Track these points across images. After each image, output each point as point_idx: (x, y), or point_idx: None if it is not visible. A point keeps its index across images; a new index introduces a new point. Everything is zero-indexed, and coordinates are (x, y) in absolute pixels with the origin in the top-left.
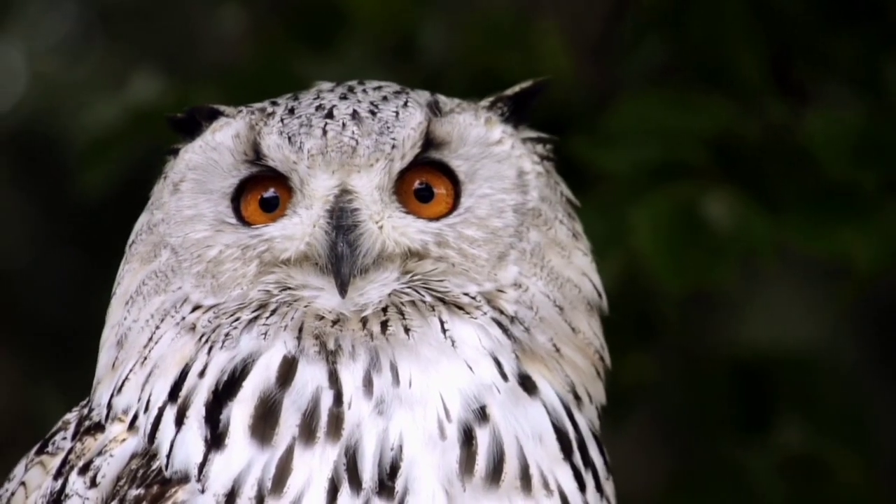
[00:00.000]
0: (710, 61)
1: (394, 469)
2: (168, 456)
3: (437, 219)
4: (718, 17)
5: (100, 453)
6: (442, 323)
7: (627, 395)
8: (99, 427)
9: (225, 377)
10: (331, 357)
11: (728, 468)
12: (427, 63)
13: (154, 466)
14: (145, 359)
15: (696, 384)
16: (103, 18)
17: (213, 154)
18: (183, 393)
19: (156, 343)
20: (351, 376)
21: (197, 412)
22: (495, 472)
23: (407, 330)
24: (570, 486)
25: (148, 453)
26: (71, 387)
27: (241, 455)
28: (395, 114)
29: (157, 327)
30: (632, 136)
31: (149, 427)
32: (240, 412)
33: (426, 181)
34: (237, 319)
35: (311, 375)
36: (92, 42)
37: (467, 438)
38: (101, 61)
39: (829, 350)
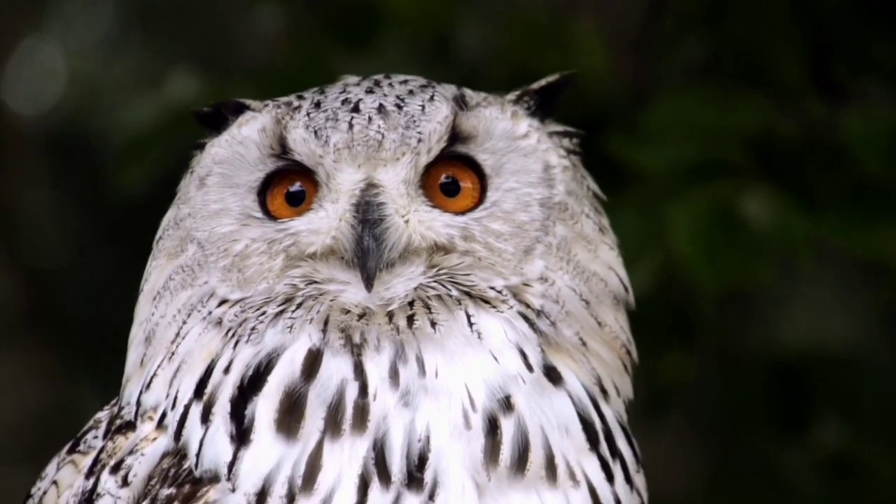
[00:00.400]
0: (749, 59)
1: (422, 460)
2: (197, 455)
3: (463, 213)
4: (758, 16)
5: (131, 452)
6: (468, 316)
7: (666, 394)
8: (130, 425)
9: (250, 372)
10: (356, 350)
11: (766, 467)
12: (465, 61)
13: (185, 466)
14: (173, 354)
15: (735, 383)
16: (140, 18)
17: (239, 148)
18: (208, 389)
19: (183, 338)
20: (376, 368)
21: (222, 408)
22: (520, 462)
23: (433, 324)
24: (598, 477)
25: (179, 452)
26: (109, 385)
27: (268, 451)
28: (421, 108)
29: (184, 322)
30: (670, 134)
31: (175, 424)
32: (265, 407)
33: (452, 175)
34: (263, 313)
35: (336, 368)
36: (129, 41)
37: (492, 428)
38: (139, 60)
39: (866, 349)
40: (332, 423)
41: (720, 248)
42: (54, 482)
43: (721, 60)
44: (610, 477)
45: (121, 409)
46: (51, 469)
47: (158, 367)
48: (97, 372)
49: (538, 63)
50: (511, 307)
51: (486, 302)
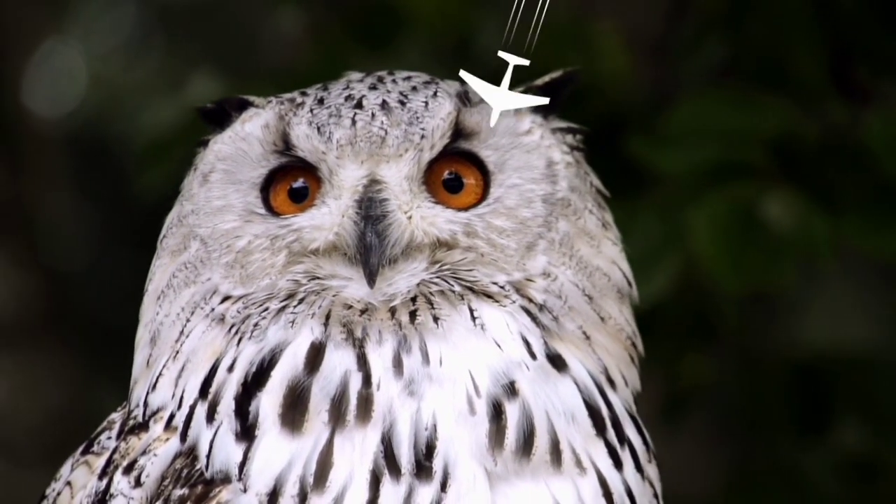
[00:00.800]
0: (769, 61)
1: (429, 449)
2: (208, 457)
3: (466, 209)
4: (778, 18)
5: (144, 453)
6: (471, 311)
7: (686, 395)
8: (143, 426)
9: (253, 369)
10: (358, 342)
11: (786, 469)
12: (485, 63)
13: (197, 466)
14: (177, 353)
15: (755, 385)
16: (162, 20)
17: (242, 144)
18: (213, 388)
19: (187, 337)
20: (379, 358)
21: (227, 407)
22: (526, 447)
23: (436, 319)
24: (606, 464)
25: (192, 453)
26: (128, 387)
27: (277, 449)
28: (424, 104)
29: (188, 320)
30: (690, 136)
31: (181, 425)
32: (269, 402)
33: (455, 171)
34: (266, 309)
35: (339, 360)
36: (150, 44)
37: (497, 413)
38: (160, 63)
39: (887, 350)
40: (336, 415)
41: (741, 250)
42: (68, 483)
43: (742, 62)
44: (619, 464)
45: (131, 411)
46: (65, 470)
47: (164, 366)
48: (117, 374)
49: (559, 65)
50: (513, 302)
51: (489, 297)
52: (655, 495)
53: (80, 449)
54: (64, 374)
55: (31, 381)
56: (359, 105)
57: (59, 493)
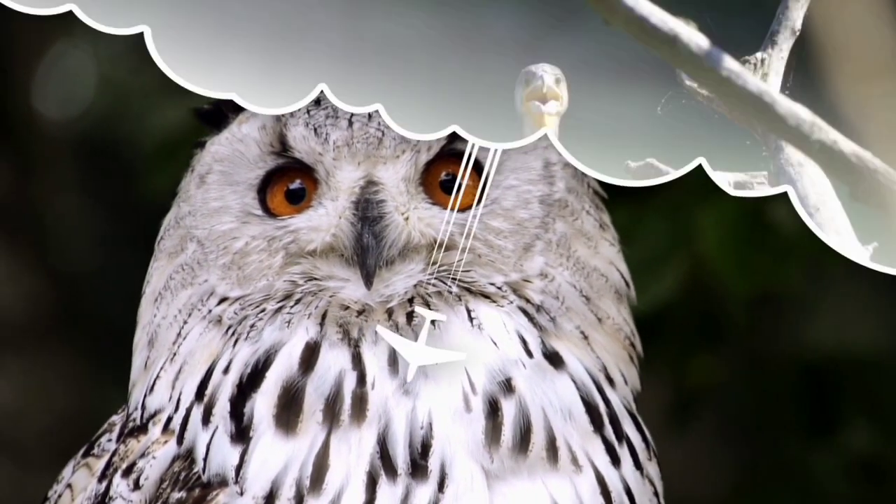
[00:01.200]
0: None
1: (425, 447)
2: (205, 459)
3: (462, 210)
4: None
5: (142, 455)
6: (469, 311)
7: (693, 396)
8: (142, 429)
9: (248, 370)
10: (353, 342)
11: (794, 470)
12: None
13: (195, 469)
14: (175, 355)
15: (762, 386)
16: None
17: (239, 146)
18: (209, 391)
19: (184, 339)
20: (374, 357)
21: (222, 409)
22: (522, 443)
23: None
24: (603, 461)
25: (189, 455)
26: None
27: (273, 452)
28: None
29: (185, 322)
30: None
31: (178, 428)
32: (263, 403)
33: (452, 172)
34: (263, 311)
35: (333, 359)
36: None
37: (493, 410)
38: None
39: (895, 351)
40: (331, 416)
41: (749, 251)
42: (69, 485)
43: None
44: (616, 461)
45: (130, 413)
46: (66, 472)
47: (161, 368)
48: (125, 376)
49: None
50: (511, 302)
51: (486, 297)
52: (655, 493)
53: (82, 451)
54: (72, 376)
55: (40, 384)
56: None
57: (60, 496)
